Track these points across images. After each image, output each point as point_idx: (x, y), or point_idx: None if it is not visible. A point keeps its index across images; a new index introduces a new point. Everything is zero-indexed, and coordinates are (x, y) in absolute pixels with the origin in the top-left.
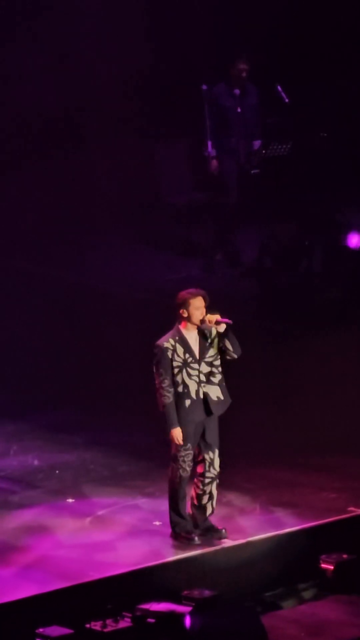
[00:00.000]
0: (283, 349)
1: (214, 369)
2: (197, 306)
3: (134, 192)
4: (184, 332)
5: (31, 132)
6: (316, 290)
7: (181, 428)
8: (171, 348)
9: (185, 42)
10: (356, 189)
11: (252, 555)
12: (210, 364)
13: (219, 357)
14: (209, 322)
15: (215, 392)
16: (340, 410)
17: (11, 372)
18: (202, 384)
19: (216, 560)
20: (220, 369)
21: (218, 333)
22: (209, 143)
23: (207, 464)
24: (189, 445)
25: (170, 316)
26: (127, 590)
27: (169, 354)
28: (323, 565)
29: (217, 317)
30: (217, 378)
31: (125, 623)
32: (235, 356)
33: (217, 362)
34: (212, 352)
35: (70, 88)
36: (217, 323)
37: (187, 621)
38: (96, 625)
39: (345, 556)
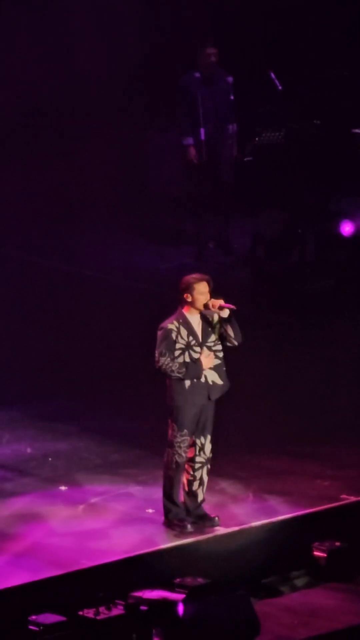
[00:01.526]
0: (276, 338)
1: (215, 354)
2: (201, 291)
3: (126, 181)
4: (187, 315)
5: (22, 122)
6: (309, 278)
7: (181, 411)
8: (175, 330)
9: (177, 31)
10: (349, 177)
11: (245, 543)
12: (211, 349)
13: (220, 342)
14: (213, 306)
15: (212, 377)
16: (334, 398)
17: (3, 361)
18: (203, 370)
19: (209, 548)
20: (220, 354)
21: (220, 319)
22: (186, 132)
23: (198, 448)
24: (185, 431)
25: (163, 305)
26: (120, 578)
27: (173, 335)
28: (316, 553)
29: (221, 302)
30: (216, 362)
31: (118, 611)
32: (236, 343)
33: (218, 347)
34: (213, 337)
35: (61, 77)
36: (221, 308)
37: (180, 609)
38: (89, 613)
39: (337, 544)
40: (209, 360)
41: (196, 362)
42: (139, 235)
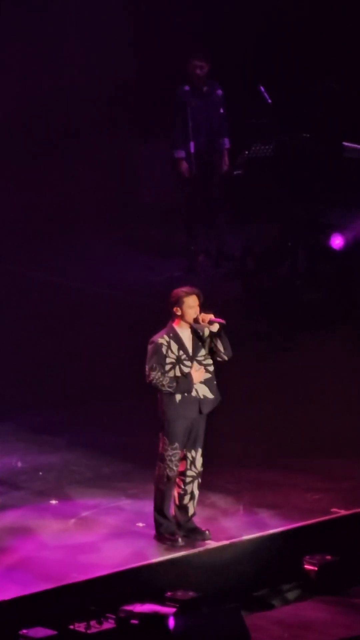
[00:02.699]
0: (267, 350)
1: (205, 368)
2: (190, 305)
3: (116, 193)
4: (178, 329)
5: (11, 135)
6: (300, 291)
7: (172, 424)
8: (166, 344)
9: (168, 43)
10: (339, 190)
11: (235, 556)
12: (201, 363)
13: (210, 357)
14: (203, 321)
15: (203, 391)
16: (325, 411)
17: None
18: (194, 384)
19: (200, 562)
20: (211, 368)
21: (210, 333)
22: (177, 145)
23: (189, 462)
24: (176, 444)
25: (153, 317)
26: (111, 592)
27: (164, 349)
28: (306, 567)
29: (211, 316)
30: (206, 376)
31: (109, 624)
32: (226, 358)
33: (209, 361)
34: (203, 351)
35: (52, 88)
36: (211, 323)
37: (171, 622)
38: (80, 627)
39: (328, 557)
40: (199, 374)
41: (187, 376)
42: (129, 248)
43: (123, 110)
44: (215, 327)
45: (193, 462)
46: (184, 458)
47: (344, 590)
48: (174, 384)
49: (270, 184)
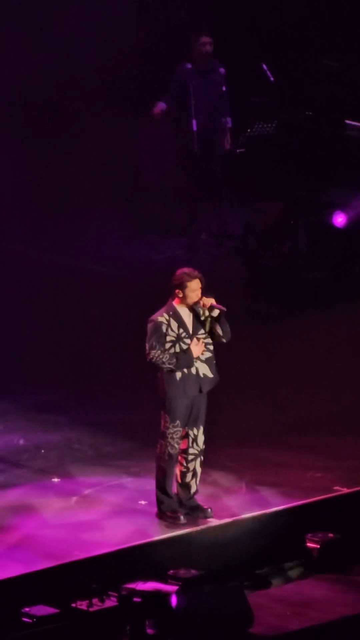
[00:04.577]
0: (268, 329)
1: (205, 346)
2: (193, 288)
3: (118, 171)
4: (178, 307)
5: (13, 113)
6: (301, 269)
7: (173, 402)
8: (165, 322)
9: (172, 20)
10: (341, 168)
11: (237, 534)
12: (201, 340)
13: (209, 336)
14: (204, 305)
15: (203, 369)
16: (326, 390)
17: None
18: (194, 359)
19: (202, 540)
20: (210, 347)
21: (210, 316)
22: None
23: (191, 440)
24: (178, 422)
25: (155, 296)
26: (113, 570)
27: (164, 328)
28: (309, 545)
29: (212, 301)
30: (206, 355)
31: (111, 602)
32: (224, 341)
33: (208, 340)
34: (203, 330)
35: (53, 66)
36: (211, 308)
37: (173, 600)
38: (82, 605)
39: (330, 535)
40: (199, 348)
41: (187, 352)
42: (130, 226)
43: (124, 88)
44: (215, 313)
45: (195, 440)
46: (185, 436)
47: (346, 569)
48: (174, 360)
49: (272, 162)
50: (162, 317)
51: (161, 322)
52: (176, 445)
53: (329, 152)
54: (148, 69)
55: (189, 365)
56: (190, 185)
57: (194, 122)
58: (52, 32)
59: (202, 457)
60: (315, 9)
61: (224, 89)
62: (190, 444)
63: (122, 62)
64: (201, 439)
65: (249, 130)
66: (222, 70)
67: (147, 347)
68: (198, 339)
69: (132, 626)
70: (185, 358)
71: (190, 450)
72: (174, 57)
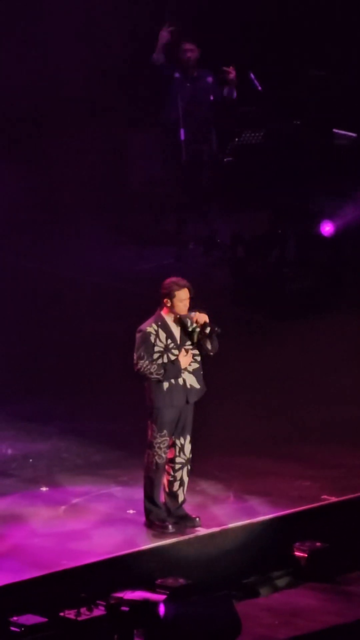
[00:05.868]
0: (256, 338)
1: (193, 357)
2: (181, 298)
3: (106, 181)
4: (166, 318)
5: (1, 120)
6: (289, 278)
7: (160, 412)
8: (154, 333)
9: (158, 28)
10: (329, 177)
11: (225, 543)
12: (189, 351)
13: (196, 347)
14: (197, 321)
15: (190, 380)
16: (313, 399)
17: None
18: (182, 370)
19: (190, 549)
20: (198, 358)
21: (201, 330)
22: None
23: (178, 449)
24: (165, 432)
25: (143, 305)
26: (102, 579)
27: (152, 338)
28: (297, 553)
29: (206, 319)
30: (194, 367)
31: (99, 611)
32: (211, 354)
33: (195, 351)
34: (190, 341)
35: (40, 76)
36: (205, 325)
37: (161, 609)
38: (70, 614)
39: (318, 544)
40: (187, 359)
41: (174, 363)
42: (118, 235)
43: (113, 97)
44: (207, 329)
45: (182, 449)
46: (172, 445)
47: (334, 577)
48: (162, 371)
49: (260, 172)
50: (150, 327)
51: (149, 333)
52: (163, 455)
53: (316, 161)
54: (135, 76)
55: (177, 376)
56: (179, 194)
57: (182, 131)
58: (36, 40)
59: (189, 466)
60: (302, 18)
61: (211, 97)
62: (177, 453)
63: (111, 70)
64: (188, 448)
65: (236, 139)
66: (210, 79)
67: (135, 357)
68: (186, 351)
69: (120, 635)
70: (172, 369)
71: (177, 460)
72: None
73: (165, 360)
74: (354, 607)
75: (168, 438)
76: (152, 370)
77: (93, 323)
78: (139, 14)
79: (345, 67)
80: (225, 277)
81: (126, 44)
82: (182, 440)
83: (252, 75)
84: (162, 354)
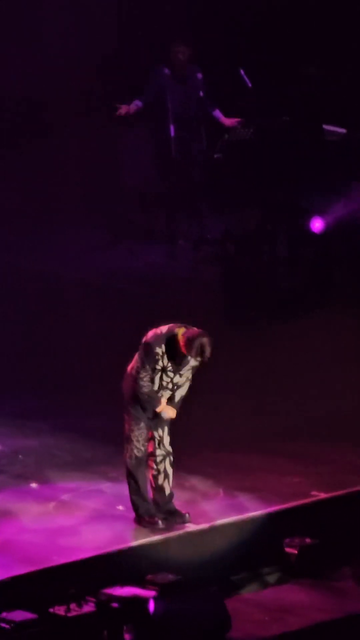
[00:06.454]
0: (246, 335)
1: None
2: (194, 356)
3: (96, 178)
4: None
5: None
6: (280, 275)
7: (135, 404)
8: (160, 355)
9: (148, 25)
10: (319, 174)
11: (215, 539)
12: (182, 376)
13: (185, 385)
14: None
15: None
16: (305, 395)
17: None
18: (166, 391)
19: (180, 545)
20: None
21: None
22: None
23: (157, 441)
24: (142, 424)
25: (134, 302)
26: (91, 575)
27: (157, 357)
28: (287, 550)
29: (173, 416)
30: (173, 402)
31: (89, 607)
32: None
33: (182, 391)
34: (188, 367)
35: (32, 73)
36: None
37: (151, 606)
38: (60, 610)
39: (308, 540)
40: (170, 412)
41: (158, 400)
42: (109, 233)
43: (103, 94)
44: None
45: (161, 441)
46: (151, 438)
47: (324, 574)
48: (147, 391)
49: (250, 168)
50: (160, 348)
51: (157, 353)
52: (142, 448)
53: (307, 157)
54: (128, 75)
55: (152, 408)
56: (169, 191)
57: (172, 127)
58: (26, 38)
59: (171, 458)
60: (294, 14)
61: (201, 94)
62: (157, 446)
63: (102, 67)
64: (167, 439)
65: (226, 135)
66: (199, 75)
67: (139, 364)
68: (180, 377)
69: (110, 631)
70: (153, 401)
71: (158, 452)
72: (152, 63)
73: (158, 379)
74: (345, 602)
75: (146, 430)
76: (145, 386)
77: (84, 320)
78: (130, 9)
79: (335, 63)
80: (216, 274)
81: (117, 40)
82: (160, 432)
83: (242, 72)
84: (158, 372)
